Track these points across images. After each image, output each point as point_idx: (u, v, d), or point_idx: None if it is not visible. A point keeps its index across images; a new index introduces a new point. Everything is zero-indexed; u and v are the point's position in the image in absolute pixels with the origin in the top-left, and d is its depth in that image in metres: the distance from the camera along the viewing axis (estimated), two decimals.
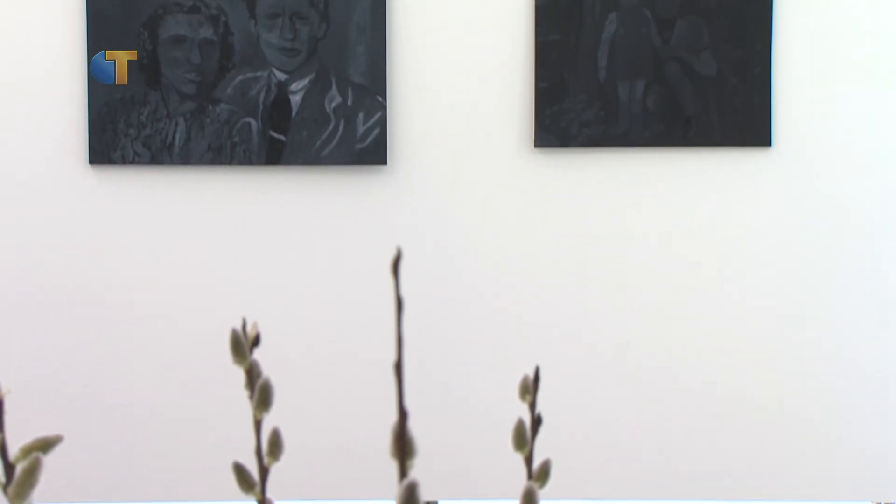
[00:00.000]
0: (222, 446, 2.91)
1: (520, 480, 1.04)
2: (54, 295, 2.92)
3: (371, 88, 2.89)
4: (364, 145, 2.89)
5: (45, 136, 2.90)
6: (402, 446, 0.86)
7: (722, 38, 2.88)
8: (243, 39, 2.89)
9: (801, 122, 2.91)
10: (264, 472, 1.03)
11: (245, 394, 1.01)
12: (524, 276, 2.93)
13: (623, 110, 2.89)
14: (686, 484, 2.96)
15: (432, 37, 2.90)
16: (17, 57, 2.90)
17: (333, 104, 2.90)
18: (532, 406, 1.01)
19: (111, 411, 2.94)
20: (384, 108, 2.88)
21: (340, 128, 2.89)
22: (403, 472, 0.86)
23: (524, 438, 1.02)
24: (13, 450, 0.93)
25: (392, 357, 0.86)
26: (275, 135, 2.89)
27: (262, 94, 2.89)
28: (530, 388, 1.01)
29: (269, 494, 1.04)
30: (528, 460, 1.02)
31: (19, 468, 0.92)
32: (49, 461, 0.95)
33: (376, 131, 2.89)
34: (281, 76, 2.89)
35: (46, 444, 0.94)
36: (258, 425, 1.01)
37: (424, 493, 1.08)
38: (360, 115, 2.89)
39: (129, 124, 2.89)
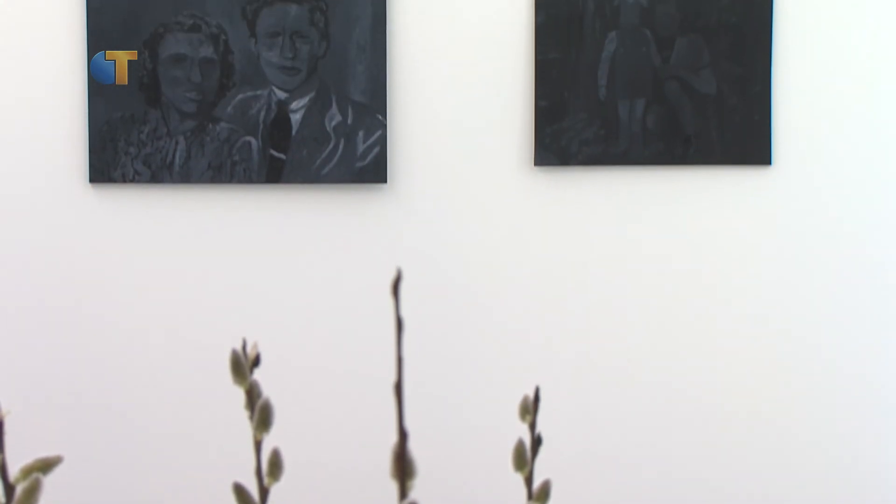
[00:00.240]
0: (223, 466, 2.90)
1: (520, 501, 1.03)
2: (55, 313, 2.92)
3: (371, 107, 2.89)
4: (364, 164, 2.90)
5: (45, 155, 2.90)
6: (403, 467, 0.86)
7: (722, 57, 2.89)
8: (243, 58, 2.89)
9: (802, 140, 2.91)
10: (264, 492, 1.03)
11: (245, 413, 1.01)
12: (525, 294, 2.92)
13: (623, 129, 2.89)
14: (690, 502, 2.96)
15: (432, 55, 2.90)
16: (16, 66, 2.90)
17: (333, 122, 2.90)
18: (532, 426, 1.01)
19: (111, 430, 2.94)
20: (384, 126, 2.89)
21: (341, 146, 2.90)
22: (403, 493, 0.86)
23: (524, 459, 1.02)
24: (13, 470, 0.93)
25: (392, 377, 0.86)
26: (275, 153, 2.90)
27: (263, 113, 2.90)
28: (530, 409, 1.01)
29: None
30: (529, 481, 1.02)
31: (19, 489, 0.92)
32: (49, 481, 0.95)
33: (376, 150, 2.89)
34: (281, 95, 2.90)
35: (46, 465, 0.94)
36: (258, 446, 1.01)
37: None
38: (361, 134, 2.89)
39: (130, 143, 2.89)
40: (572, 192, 2.92)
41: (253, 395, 1.01)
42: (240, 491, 1.04)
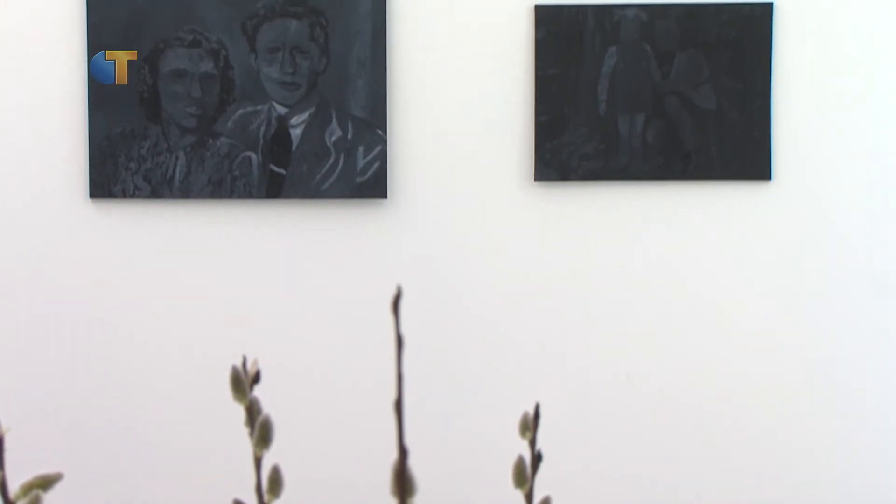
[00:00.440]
0: (223, 482, 2.90)
1: None
2: (55, 328, 2.92)
3: (371, 122, 2.89)
4: (364, 179, 2.90)
5: (45, 170, 2.90)
6: (403, 484, 0.86)
7: (721, 72, 2.89)
8: (244, 73, 2.89)
9: (801, 155, 2.91)
10: None
11: (245, 429, 1.01)
12: (525, 309, 2.92)
13: (623, 144, 2.89)
14: None
15: (432, 70, 2.91)
16: (16, 82, 2.91)
17: (334, 138, 2.90)
18: (532, 443, 1.01)
19: (111, 445, 2.94)
20: (384, 141, 2.89)
21: (341, 161, 2.90)
22: None
23: (524, 475, 1.02)
24: (13, 487, 0.93)
25: (392, 393, 0.86)
26: (275, 168, 2.90)
27: (263, 128, 2.90)
28: (530, 425, 1.00)
29: None
30: (529, 497, 1.02)
31: None
32: (49, 498, 0.95)
33: (376, 165, 2.89)
34: (281, 110, 2.90)
35: (46, 482, 0.94)
36: (258, 462, 1.01)
37: None
38: (361, 149, 2.90)
39: (130, 158, 2.89)
40: (572, 207, 2.92)
41: (253, 411, 1.00)
42: None
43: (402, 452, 0.85)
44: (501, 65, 2.90)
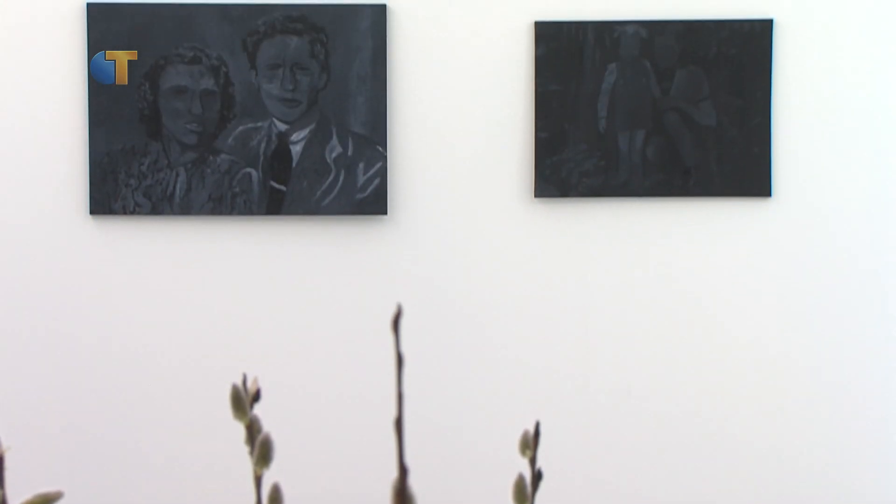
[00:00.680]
0: (223, 500, 2.89)
1: None
2: (55, 346, 2.92)
3: (371, 138, 2.89)
4: (364, 195, 2.90)
5: (45, 186, 2.90)
6: (403, 502, 0.86)
7: (721, 88, 2.89)
8: (244, 90, 2.90)
9: (801, 172, 2.91)
10: None
11: (246, 447, 1.01)
12: (525, 325, 2.92)
13: (623, 160, 2.90)
14: None
15: (433, 87, 2.91)
16: (15, 95, 2.91)
17: (334, 154, 2.90)
18: (532, 461, 1.01)
19: (112, 463, 2.93)
20: (384, 158, 2.89)
21: (341, 178, 2.90)
22: None
23: (524, 494, 1.02)
24: None
25: (392, 410, 0.86)
26: (275, 185, 2.90)
27: (263, 145, 2.90)
28: (531, 444, 1.00)
29: None
30: None
31: None
32: None
33: (377, 181, 2.90)
34: (281, 126, 2.90)
35: (47, 500, 0.94)
36: (258, 480, 1.01)
37: None
38: (361, 165, 2.90)
39: (130, 174, 2.89)
40: (572, 224, 2.92)
41: (253, 430, 1.00)
42: None
43: (403, 471, 0.85)
44: (501, 81, 2.91)
